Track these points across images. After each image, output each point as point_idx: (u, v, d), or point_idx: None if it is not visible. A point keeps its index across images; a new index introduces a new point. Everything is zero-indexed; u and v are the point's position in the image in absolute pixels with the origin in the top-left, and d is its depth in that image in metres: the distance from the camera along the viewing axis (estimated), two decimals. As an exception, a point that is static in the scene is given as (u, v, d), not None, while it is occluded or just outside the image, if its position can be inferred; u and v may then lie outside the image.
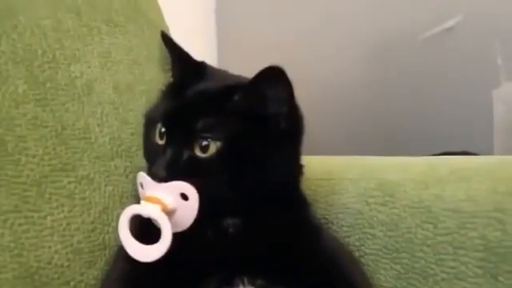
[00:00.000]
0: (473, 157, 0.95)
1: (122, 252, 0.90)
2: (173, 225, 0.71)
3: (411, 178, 0.92)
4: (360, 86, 1.69)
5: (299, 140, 0.83)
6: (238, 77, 0.87)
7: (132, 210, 0.73)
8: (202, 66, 0.88)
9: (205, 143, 0.74)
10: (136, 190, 0.85)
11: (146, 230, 0.72)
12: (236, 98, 0.77)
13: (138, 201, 0.78)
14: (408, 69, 1.58)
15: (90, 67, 1.03)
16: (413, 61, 1.58)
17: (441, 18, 1.50)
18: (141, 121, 1.04)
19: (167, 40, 0.90)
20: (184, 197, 0.72)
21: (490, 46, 1.44)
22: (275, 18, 1.87)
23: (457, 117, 1.50)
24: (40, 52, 0.96)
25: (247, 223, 0.78)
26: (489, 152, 1.39)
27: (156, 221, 0.71)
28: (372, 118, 1.66)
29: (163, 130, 0.79)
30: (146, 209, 0.71)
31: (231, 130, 0.76)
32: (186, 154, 0.75)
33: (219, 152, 0.75)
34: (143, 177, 0.75)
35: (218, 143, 0.74)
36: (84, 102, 1.00)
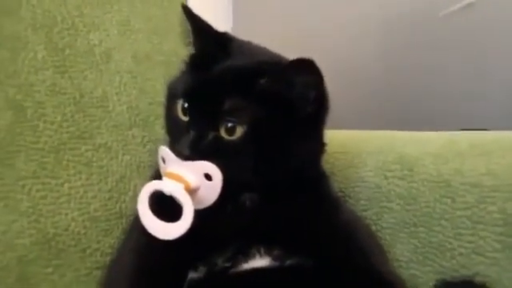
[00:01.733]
0: (493, 132, 0.94)
1: (137, 222, 0.90)
2: (194, 203, 0.70)
3: (430, 152, 0.91)
4: (381, 62, 1.67)
5: (324, 120, 0.82)
6: (265, 51, 0.86)
7: (153, 185, 0.72)
8: (225, 38, 0.85)
9: (231, 125, 0.73)
10: (154, 162, 0.85)
11: (165, 206, 0.71)
12: (263, 80, 0.75)
13: (156, 172, 0.79)
14: (430, 45, 1.57)
15: (108, 35, 1.03)
16: (433, 37, 1.56)
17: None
18: (159, 91, 1.04)
19: (187, 11, 0.87)
20: (208, 177, 0.71)
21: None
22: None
23: (480, 94, 1.49)
24: (59, 18, 0.96)
25: (265, 197, 0.77)
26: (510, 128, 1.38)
27: (178, 199, 0.70)
28: (392, 94, 1.65)
29: (186, 105, 0.77)
30: (168, 186, 0.70)
31: (258, 114, 0.74)
32: (211, 135, 0.74)
33: (245, 136, 0.73)
34: (166, 152, 0.74)
35: (245, 127, 0.73)
36: (102, 70, 1.00)
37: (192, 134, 0.74)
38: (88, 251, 0.91)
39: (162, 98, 1.03)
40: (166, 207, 0.70)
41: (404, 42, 1.63)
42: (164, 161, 0.75)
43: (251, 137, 0.73)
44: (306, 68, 0.72)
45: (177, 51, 1.13)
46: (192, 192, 0.71)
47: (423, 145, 0.94)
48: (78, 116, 0.94)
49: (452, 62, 1.53)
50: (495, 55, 1.45)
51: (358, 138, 1.03)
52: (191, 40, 0.87)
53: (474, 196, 0.82)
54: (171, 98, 0.81)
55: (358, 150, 0.99)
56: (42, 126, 0.89)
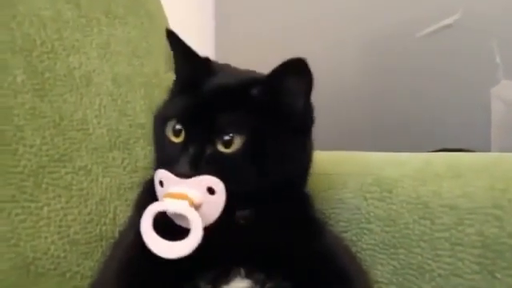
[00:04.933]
0: (470, 153, 0.95)
1: (118, 243, 0.90)
2: None
3: (409, 174, 0.92)
4: (357, 82, 1.69)
5: (311, 133, 0.84)
6: (248, 71, 0.87)
7: (157, 206, 0.71)
8: (208, 61, 0.86)
9: (227, 138, 0.74)
10: (136, 184, 0.90)
11: (166, 228, 0.71)
12: (254, 91, 0.77)
13: (143, 195, 0.83)
14: (406, 66, 1.58)
15: (88, 58, 1.03)
16: (411, 58, 1.58)
17: (439, 15, 1.50)
18: (139, 113, 1.05)
19: (173, 37, 0.85)
20: (211, 191, 0.72)
21: (488, 44, 1.44)
22: (273, 13, 1.87)
23: (455, 114, 1.50)
24: (39, 42, 0.96)
25: (258, 215, 0.78)
26: (486, 150, 1.40)
27: (183, 216, 0.70)
28: (369, 114, 1.66)
29: (178, 127, 0.77)
30: (173, 205, 0.70)
31: (252, 124, 0.76)
32: (209, 150, 0.75)
33: (242, 147, 0.74)
34: (164, 174, 0.74)
35: (241, 138, 0.74)
36: (82, 93, 1.00)
37: (190, 151, 0.74)
38: (68, 275, 0.90)
39: (142, 120, 1.05)
40: (167, 229, 0.71)
41: (381, 63, 1.65)
42: (162, 184, 0.75)
43: (248, 147, 0.75)
44: (298, 67, 0.75)
45: (157, 73, 1.14)
46: (196, 208, 0.71)
47: (401, 167, 0.94)
48: (58, 139, 0.94)
49: (428, 82, 1.54)
50: (470, 76, 1.47)
51: (337, 160, 1.04)
52: (173, 65, 0.87)
53: (451, 218, 0.83)
54: (160, 122, 0.82)
55: (338, 171, 1.00)
56: (22, 149, 0.88)
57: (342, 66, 1.71)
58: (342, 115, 1.64)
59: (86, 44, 1.04)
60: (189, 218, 0.69)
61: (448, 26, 1.48)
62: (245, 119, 0.76)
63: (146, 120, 1.07)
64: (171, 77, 1.16)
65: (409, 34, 1.57)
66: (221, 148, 0.74)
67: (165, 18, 1.25)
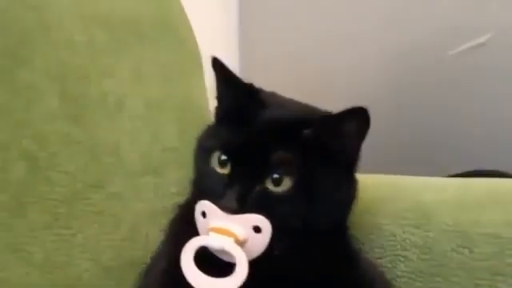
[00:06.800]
0: (510, 180, 0.93)
1: (150, 269, 0.90)
2: None
3: (446, 200, 0.90)
4: (388, 100, 1.67)
5: (356, 167, 0.83)
6: (295, 101, 0.86)
7: (199, 241, 0.71)
8: (254, 89, 0.84)
9: (277, 177, 0.73)
10: (168, 209, 0.88)
11: (207, 262, 0.70)
12: (308, 131, 0.75)
13: (176, 221, 0.83)
14: (438, 83, 1.57)
15: (120, 83, 1.03)
16: (443, 75, 1.56)
17: (472, 33, 1.49)
18: (171, 137, 1.05)
19: (217, 64, 0.83)
20: (256, 229, 0.71)
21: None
22: (297, 29, 1.87)
23: (486, 134, 1.48)
24: (73, 67, 0.96)
25: (292, 247, 0.76)
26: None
27: (230, 253, 0.69)
28: (399, 133, 1.65)
29: (223, 157, 0.76)
30: (218, 241, 0.69)
31: (303, 165, 0.74)
32: (257, 187, 0.74)
33: (292, 187, 0.74)
34: (209, 206, 0.73)
35: (291, 178, 0.73)
36: (115, 118, 1.00)
37: (238, 187, 0.73)
38: (101, 302, 0.90)
39: (174, 144, 1.05)
40: (207, 262, 0.70)
41: (412, 80, 1.63)
42: (204, 215, 0.74)
43: (298, 187, 0.74)
44: (362, 117, 0.74)
45: (189, 97, 1.14)
46: (240, 245, 0.70)
47: (438, 192, 0.93)
48: (92, 165, 0.94)
49: (461, 101, 1.53)
50: (503, 95, 1.45)
51: (372, 184, 1.02)
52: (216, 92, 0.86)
53: (491, 247, 0.81)
54: (204, 152, 0.80)
55: (372, 196, 0.98)
56: (56, 176, 0.88)
57: (370, 83, 1.69)
58: (368, 135, 1.62)
59: (117, 68, 1.04)
60: (235, 255, 0.68)
61: (481, 45, 1.47)
62: (296, 159, 0.74)
63: (178, 144, 1.07)
64: (203, 101, 1.16)
65: (442, 52, 1.55)
66: (270, 186, 0.73)
67: (195, 43, 1.25)
